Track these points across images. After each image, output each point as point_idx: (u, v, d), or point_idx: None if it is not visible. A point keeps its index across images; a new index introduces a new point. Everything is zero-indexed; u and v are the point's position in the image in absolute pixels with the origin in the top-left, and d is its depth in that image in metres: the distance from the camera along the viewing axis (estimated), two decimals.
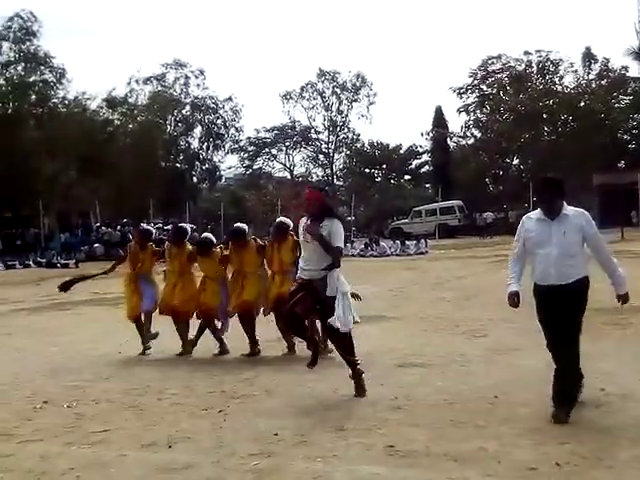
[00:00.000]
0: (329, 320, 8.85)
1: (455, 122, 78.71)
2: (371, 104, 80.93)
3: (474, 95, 70.20)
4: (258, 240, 12.49)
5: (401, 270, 28.27)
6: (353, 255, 38.16)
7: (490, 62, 69.24)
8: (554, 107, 64.34)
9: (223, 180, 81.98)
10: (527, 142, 64.76)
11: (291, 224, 12.28)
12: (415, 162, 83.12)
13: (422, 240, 42.89)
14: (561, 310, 7.70)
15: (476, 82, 69.96)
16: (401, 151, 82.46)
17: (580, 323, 7.81)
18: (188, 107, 73.73)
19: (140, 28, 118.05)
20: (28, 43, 53.57)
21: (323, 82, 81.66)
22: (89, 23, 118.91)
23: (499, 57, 68.95)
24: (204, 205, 69.42)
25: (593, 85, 66.47)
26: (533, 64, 68.66)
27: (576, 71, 67.56)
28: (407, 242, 42.50)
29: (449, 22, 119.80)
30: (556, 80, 68.22)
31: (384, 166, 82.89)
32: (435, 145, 74.90)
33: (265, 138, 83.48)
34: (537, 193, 8.06)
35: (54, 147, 50.76)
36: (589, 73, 67.74)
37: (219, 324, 12.48)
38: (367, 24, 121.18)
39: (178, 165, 72.72)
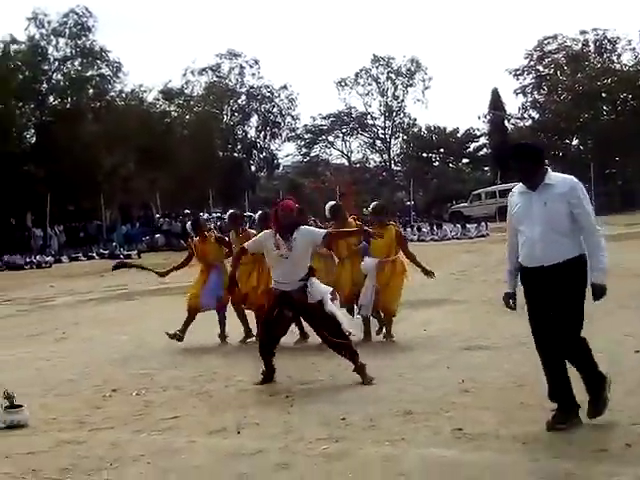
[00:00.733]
0: (344, 328, 9.17)
1: (512, 104, 77.83)
2: (426, 88, 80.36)
3: (531, 76, 69.61)
4: (317, 221, 12.46)
5: (462, 253, 28.17)
6: (412, 240, 38.02)
7: (546, 42, 68.53)
8: (612, 86, 63.42)
9: (281, 168, 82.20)
10: (586, 122, 63.97)
11: (342, 205, 12.33)
12: (473, 145, 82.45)
13: (482, 223, 42.62)
14: (550, 297, 6.72)
15: (532, 63, 69.31)
16: (458, 134, 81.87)
17: (577, 314, 6.68)
18: (244, 97, 74.00)
19: (194, 19, 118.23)
20: (84, 38, 54.02)
21: (377, 68, 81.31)
22: (143, 16, 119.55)
23: (555, 37, 68.22)
24: (263, 194, 69.59)
25: None
26: (590, 43, 67.80)
27: (634, 49, 66.55)
28: (467, 225, 42.28)
29: (504, 3, 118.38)
30: (614, 58, 67.30)
31: (441, 150, 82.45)
32: (492, 128, 74.27)
33: (321, 125, 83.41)
34: (511, 162, 6.89)
35: (113, 140, 51.21)
36: None
37: None
38: (420, 7, 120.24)
39: (236, 155, 73.05)
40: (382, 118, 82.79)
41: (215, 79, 71.92)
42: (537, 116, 70.07)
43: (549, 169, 6.82)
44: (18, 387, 8.44)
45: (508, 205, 7.11)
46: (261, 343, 9.59)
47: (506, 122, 73.72)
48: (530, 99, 70.09)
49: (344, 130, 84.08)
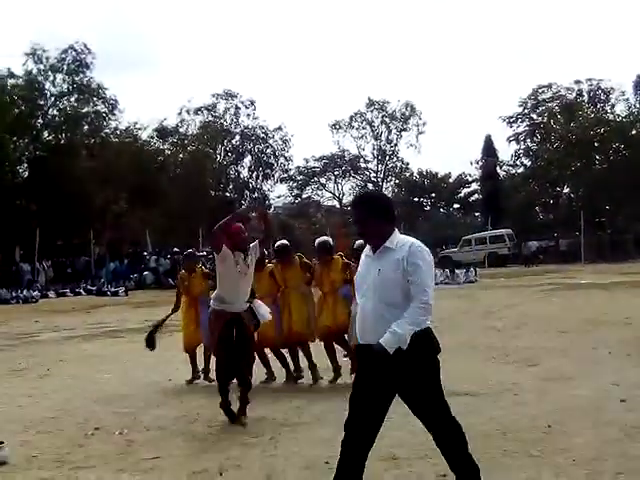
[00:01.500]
0: None
1: (505, 151, 78.35)
2: (420, 133, 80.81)
3: (524, 124, 70.02)
4: (303, 258, 12.45)
5: (451, 299, 28.08)
6: None
7: (540, 91, 69.03)
8: (605, 135, 63.74)
9: (272, 209, 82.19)
10: (578, 170, 64.26)
11: (331, 243, 12.35)
12: (464, 191, 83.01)
13: (471, 269, 42.63)
14: (377, 385, 5.73)
15: (526, 111, 69.77)
16: (450, 180, 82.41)
17: (435, 397, 5.98)
18: (238, 137, 74.20)
19: (191, 59, 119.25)
20: (81, 75, 54.31)
21: (372, 111, 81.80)
22: (141, 54, 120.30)
23: (549, 86, 68.72)
24: (254, 234, 69.46)
25: None
26: (584, 92, 68.36)
27: (627, 99, 67.03)
28: (457, 271, 42.25)
29: (499, 51, 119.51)
30: (607, 108, 67.77)
31: (433, 195, 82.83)
32: (485, 174, 74.70)
33: (314, 167, 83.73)
34: (352, 212, 6.04)
35: (106, 177, 51.34)
36: None
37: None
38: (416, 53, 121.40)
39: (228, 194, 73.12)
40: (375, 161, 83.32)
41: (210, 119, 72.19)
42: (529, 163, 70.37)
43: (396, 231, 5.87)
44: None
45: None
46: (222, 368, 9.46)
47: (498, 169, 74.12)
48: (523, 146, 70.49)
49: (336, 172, 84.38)
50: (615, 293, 26.92)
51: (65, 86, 54.59)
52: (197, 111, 71.30)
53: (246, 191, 75.65)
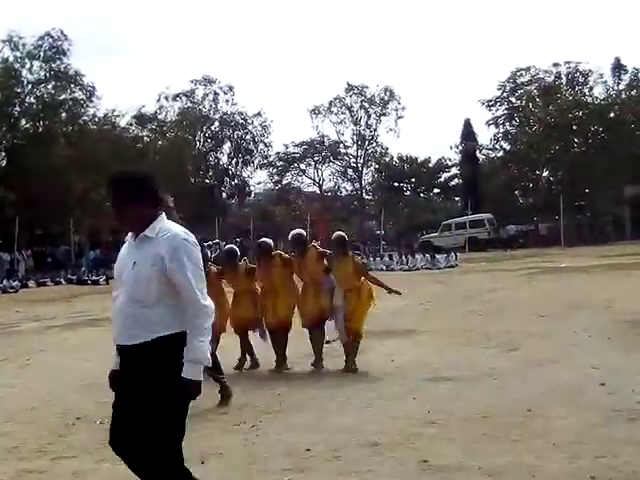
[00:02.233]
0: None
1: (484, 135, 78.45)
2: (399, 118, 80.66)
3: (503, 107, 70.07)
4: (283, 254, 12.45)
5: (431, 284, 28.18)
6: (382, 269, 38.03)
7: (519, 74, 69.09)
8: (584, 118, 63.90)
9: (252, 195, 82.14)
10: (557, 154, 64.42)
11: (305, 235, 12.39)
12: (444, 175, 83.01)
13: (452, 253, 42.72)
14: (125, 393, 5.10)
15: (505, 94, 69.81)
16: (430, 164, 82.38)
17: (167, 422, 4.79)
18: (217, 123, 74.05)
19: (169, 45, 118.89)
20: (58, 62, 54.03)
21: (351, 96, 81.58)
22: (118, 41, 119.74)
23: (528, 69, 68.79)
24: (234, 220, 69.50)
25: (623, 96, 66.02)
26: (562, 75, 68.41)
27: (606, 82, 67.23)
28: (437, 256, 42.33)
29: (477, 35, 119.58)
30: (586, 91, 67.88)
31: (413, 180, 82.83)
32: (464, 158, 74.70)
33: (294, 153, 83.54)
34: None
35: (85, 165, 51.09)
36: (619, 84, 67.37)
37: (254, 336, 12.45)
38: (395, 38, 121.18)
39: (207, 181, 72.99)
40: (354, 147, 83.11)
41: (189, 105, 71.96)
42: (508, 147, 70.46)
43: (162, 216, 5.03)
44: None
45: None
46: None
47: (478, 153, 74.13)
48: (502, 130, 70.52)
49: (316, 158, 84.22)
50: (595, 276, 27.04)
51: (42, 73, 54.40)
52: (175, 97, 71.20)
53: (226, 178, 75.50)
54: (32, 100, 54.70)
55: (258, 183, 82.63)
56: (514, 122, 69.77)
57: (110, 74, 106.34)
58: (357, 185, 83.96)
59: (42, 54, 53.73)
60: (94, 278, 41.41)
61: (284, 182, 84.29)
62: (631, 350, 11.76)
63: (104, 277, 41.27)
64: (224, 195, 76.21)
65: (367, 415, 8.65)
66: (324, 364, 11.69)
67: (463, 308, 19.49)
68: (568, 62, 67.69)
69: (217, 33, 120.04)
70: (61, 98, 54.50)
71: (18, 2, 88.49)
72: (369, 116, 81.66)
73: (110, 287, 31.49)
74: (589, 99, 66.84)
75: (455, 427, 7.91)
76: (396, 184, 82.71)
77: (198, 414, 9.11)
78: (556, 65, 67.97)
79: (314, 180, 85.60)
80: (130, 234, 4.99)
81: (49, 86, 54.66)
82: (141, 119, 64.36)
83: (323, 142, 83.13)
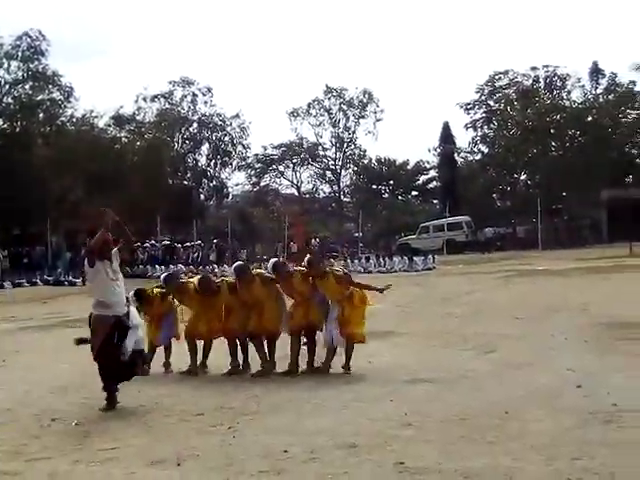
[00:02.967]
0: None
1: (462, 138, 78.50)
2: (378, 120, 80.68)
3: (481, 111, 70.18)
4: (263, 274, 12.41)
5: (409, 286, 28.19)
6: (360, 271, 38.05)
7: (497, 77, 69.25)
8: (561, 122, 64.17)
9: (230, 197, 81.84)
10: (535, 157, 64.68)
11: (281, 263, 12.48)
12: (422, 178, 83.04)
13: (430, 256, 42.78)
14: None
15: (483, 98, 69.97)
16: (408, 167, 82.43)
17: None
18: (195, 124, 73.78)
19: (147, 46, 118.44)
20: (36, 62, 53.75)
21: (330, 99, 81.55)
22: (96, 41, 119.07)
23: (506, 72, 68.93)
24: (212, 222, 69.35)
25: (600, 100, 66.36)
26: (540, 79, 68.67)
27: (583, 86, 67.51)
28: (415, 258, 42.38)
29: (456, 38, 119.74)
30: (563, 95, 68.18)
31: (391, 182, 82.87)
32: (442, 161, 74.79)
33: (272, 155, 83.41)
34: None
35: (62, 165, 50.86)
36: (596, 88, 67.64)
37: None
38: (373, 40, 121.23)
39: (186, 182, 72.75)
40: (333, 149, 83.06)
41: (167, 106, 71.74)
42: (487, 150, 70.62)
43: None
44: None
45: None
46: (110, 371, 9.81)
47: (456, 156, 74.28)
48: (480, 133, 70.65)
49: (295, 160, 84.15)
50: (572, 279, 27.19)
51: (20, 73, 54.06)
52: (154, 98, 70.83)
53: (204, 179, 75.33)
54: (9, 100, 54.37)
55: (236, 185, 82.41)
56: (492, 125, 69.93)
57: (88, 75, 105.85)
58: (335, 187, 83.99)
59: (20, 54, 53.41)
60: (71, 279, 41.21)
61: (262, 184, 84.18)
62: (607, 353, 11.83)
63: (81, 279, 41.06)
64: (202, 197, 75.96)
65: (344, 417, 8.65)
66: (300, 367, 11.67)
67: (441, 310, 19.54)
68: (546, 66, 68.02)
69: (196, 34, 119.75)
70: (39, 98, 54.17)
71: None
72: (347, 118, 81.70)
73: (86, 289, 31.36)
74: (567, 103, 67.13)
75: (432, 429, 7.91)
76: (374, 186, 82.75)
77: (174, 415, 9.11)
78: (534, 69, 68.26)
79: (292, 182, 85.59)
80: None
81: (27, 86, 54.32)
82: (119, 120, 64.09)
83: (302, 144, 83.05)
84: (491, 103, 69.91)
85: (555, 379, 9.94)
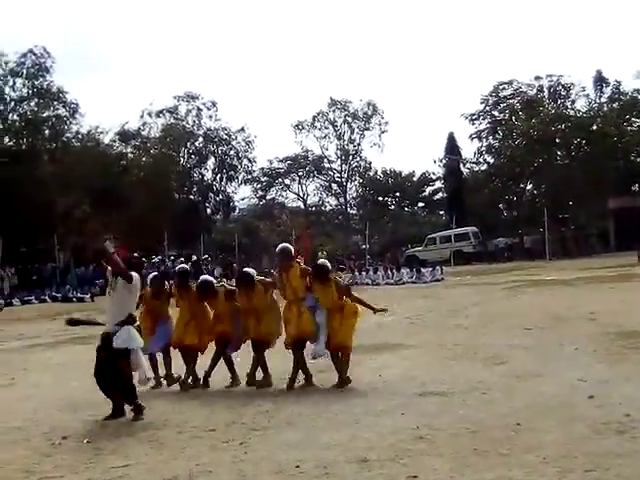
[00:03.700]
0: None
1: (468, 148, 78.39)
2: (383, 132, 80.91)
3: (486, 121, 70.18)
4: (264, 280, 12.42)
5: (417, 298, 28.16)
6: (367, 284, 38.02)
7: (501, 88, 69.26)
8: (566, 131, 64.09)
9: (237, 211, 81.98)
10: (540, 167, 64.60)
11: (292, 250, 12.36)
12: (428, 189, 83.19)
13: (437, 267, 42.73)
14: None
15: (488, 108, 69.95)
16: (414, 178, 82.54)
17: None
18: (201, 139, 73.93)
19: (152, 62, 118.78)
20: (41, 79, 53.96)
21: (334, 111, 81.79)
22: (101, 58, 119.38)
23: (510, 83, 68.97)
24: (218, 236, 69.37)
25: (605, 108, 66.38)
26: (544, 89, 68.75)
27: (588, 95, 67.63)
28: (422, 269, 42.33)
29: (460, 49, 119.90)
30: (568, 104, 68.19)
31: (397, 194, 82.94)
32: (448, 172, 74.82)
33: (278, 168, 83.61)
34: None
35: (68, 181, 50.99)
36: (601, 97, 67.75)
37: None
38: (378, 52, 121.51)
39: (192, 197, 72.86)
40: (338, 161, 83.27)
41: (172, 121, 71.87)
42: (492, 160, 70.57)
43: None
44: None
45: None
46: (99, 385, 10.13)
47: (462, 166, 74.27)
48: (485, 144, 70.62)
49: (300, 173, 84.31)
50: (580, 289, 27.12)
51: (25, 90, 54.33)
52: (159, 114, 71.05)
53: (210, 193, 75.41)
54: (15, 117, 54.62)
55: (242, 199, 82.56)
56: (497, 135, 69.88)
57: (93, 91, 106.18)
58: (341, 200, 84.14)
59: (25, 71, 53.65)
60: (79, 295, 41.24)
61: (268, 197, 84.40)
62: (617, 362, 11.78)
63: (89, 294, 41.10)
64: (208, 211, 76.05)
65: (355, 431, 8.61)
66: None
67: (449, 322, 19.49)
68: (550, 75, 68.12)
69: (200, 49, 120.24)
70: (44, 115, 54.38)
71: (0, 19, 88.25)
72: (352, 131, 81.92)
73: (95, 305, 31.40)
74: (571, 112, 67.10)
75: (444, 442, 7.88)
76: (380, 198, 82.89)
77: (186, 431, 9.08)
78: (538, 78, 68.32)
79: (298, 195, 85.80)
80: None
81: (32, 103, 54.54)
82: (125, 136, 64.28)
83: (307, 157, 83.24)
84: (496, 113, 69.89)
85: (566, 390, 9.90)
